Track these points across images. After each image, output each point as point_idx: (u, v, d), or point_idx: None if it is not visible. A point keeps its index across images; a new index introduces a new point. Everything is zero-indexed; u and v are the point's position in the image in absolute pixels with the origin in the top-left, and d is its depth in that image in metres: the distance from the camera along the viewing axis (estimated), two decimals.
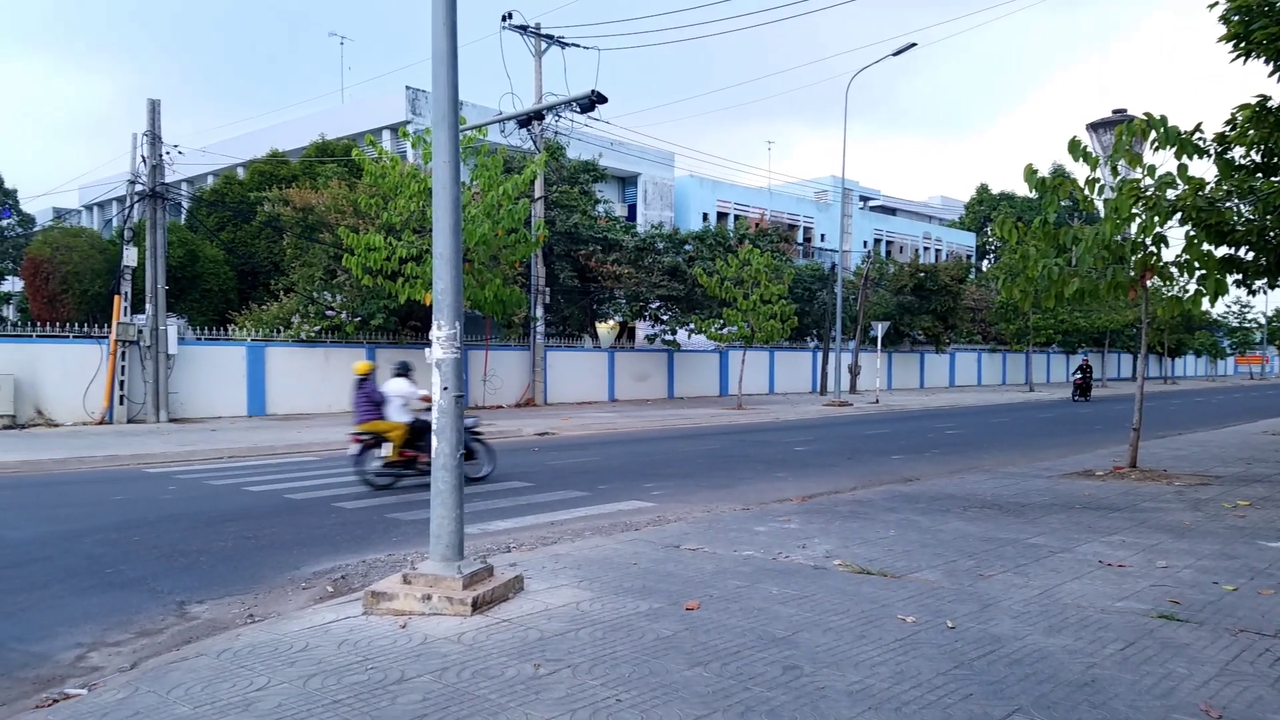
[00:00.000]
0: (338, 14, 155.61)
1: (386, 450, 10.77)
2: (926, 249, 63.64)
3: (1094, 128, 12.82)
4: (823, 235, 55.68)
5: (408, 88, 35.46)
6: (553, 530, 8.54)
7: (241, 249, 29.01)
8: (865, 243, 57.63)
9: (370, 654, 4.67)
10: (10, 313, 35.68)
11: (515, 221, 19.48)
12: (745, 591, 5.93)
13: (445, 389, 5.62)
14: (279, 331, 23.47)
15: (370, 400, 10.99)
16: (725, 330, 27.44)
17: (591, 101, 19.15)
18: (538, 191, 25.99)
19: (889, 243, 61.80)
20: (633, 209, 45.13)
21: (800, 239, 53.78)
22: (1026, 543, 7.61)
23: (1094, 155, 10.38)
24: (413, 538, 8.13)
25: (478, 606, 5.36)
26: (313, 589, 6.43)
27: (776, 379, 38.91)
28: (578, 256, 29.59)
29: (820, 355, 39.59)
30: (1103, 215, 10.09)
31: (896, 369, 44.60)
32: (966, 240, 69.66)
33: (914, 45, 28.87)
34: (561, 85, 47.68)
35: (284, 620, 5.39)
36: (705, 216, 47.60)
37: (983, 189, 77.53)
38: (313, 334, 23.44)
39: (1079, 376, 35.05)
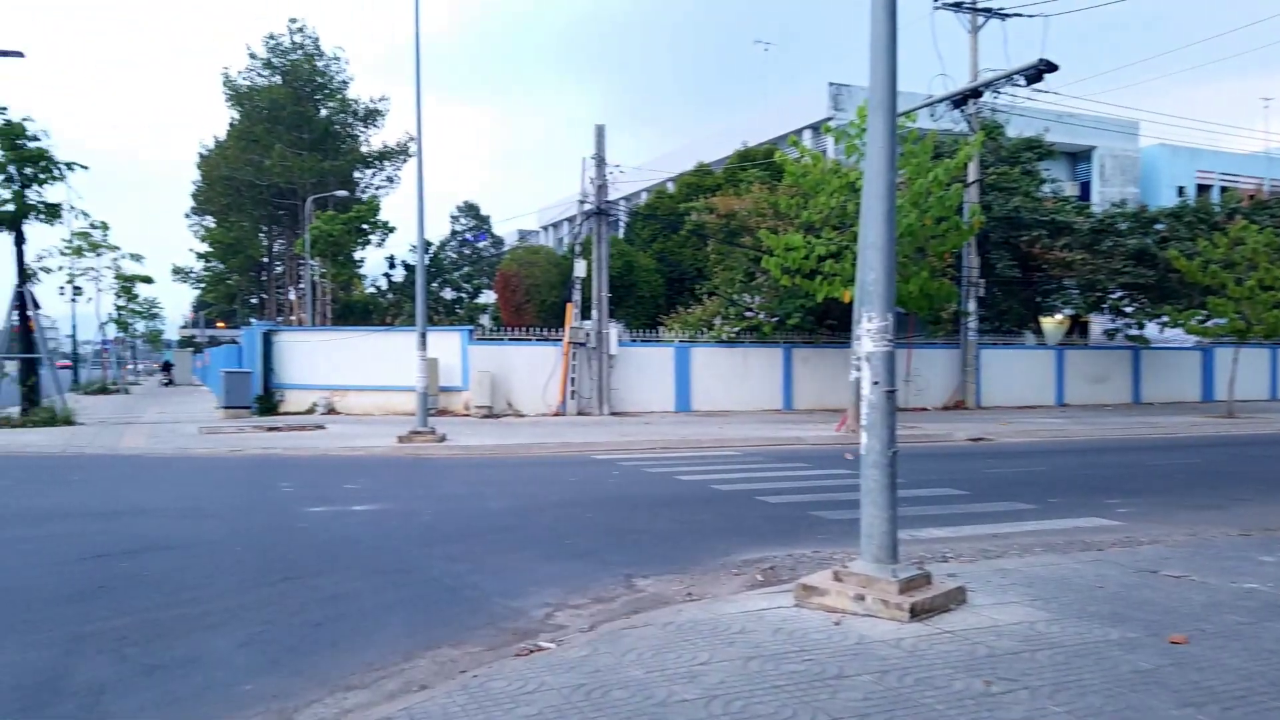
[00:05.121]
0: (763, 23, 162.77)
1: None
2: None
3: None
4: None
5: (830, 84, 35.90)
6: (995, 543, 8.04)
7: (670, 257, 31.77)
8: None
9: (805, 645, 4.78)
10: (486, 321, 42.94)
11: (945, 209, 18.69)
12: (1249, 629, 5.07)
13: (876, 383, 5.56)
14: (702, 333, 25.26)
15: None
16: (1210, 323, 23.68)
17: (1039, 71, 17.79)
18: (971, 175, 24.76)
19: None
20: (1085, 187, 40.89)
21: None
22: None
23: None
24: (838, 536, 8.18)
25: (915, 613, 5.24)
26: (743, 576, 6.76)
27: None
28: (1018, 243, 27.55)
29: None
30: None
31: None
32: None
33: None
34: (999, 60, 44.81)
35: (719, 602, 5.75)
36: (1181, 190, 41.39)
37: None
38: (732, 334, 24.84)
39: None
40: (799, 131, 35.63)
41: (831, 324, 25.41)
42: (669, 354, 24.41)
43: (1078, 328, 34.73)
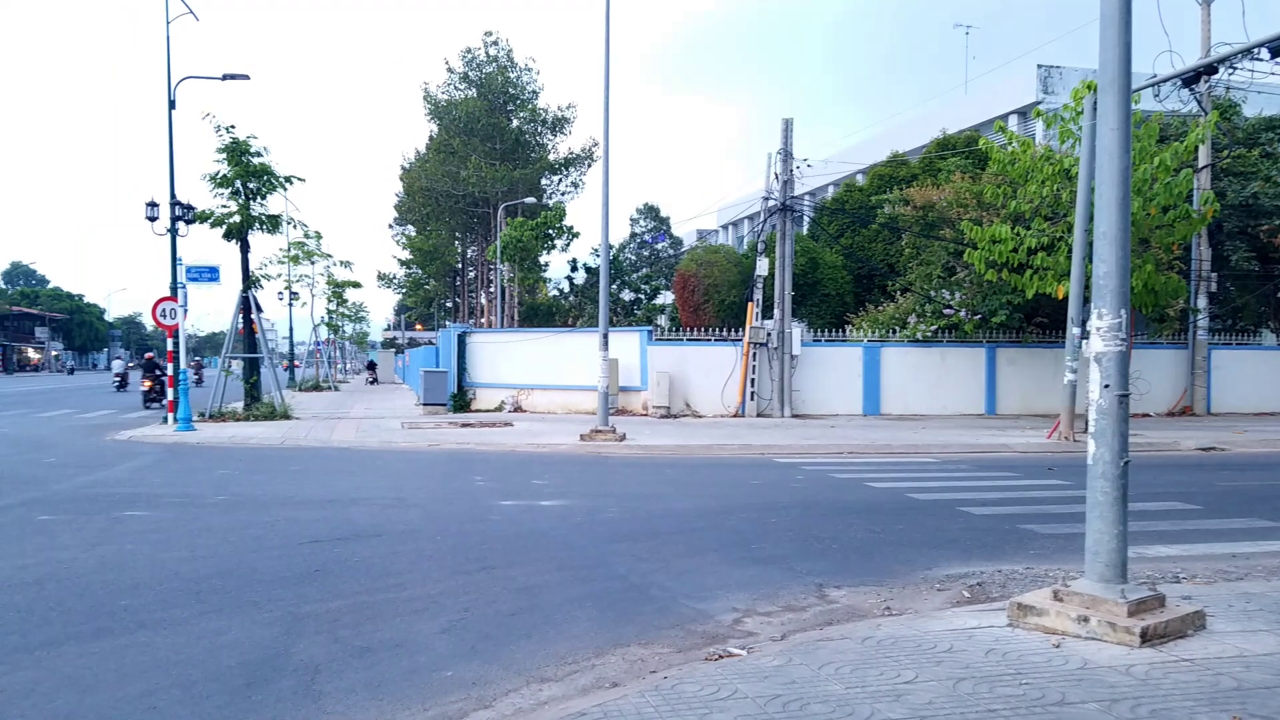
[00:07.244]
0: (964, 5, 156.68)
1: None
2: None
3: None
4: None
5: (1039, 66, 33.99)
6: (1234, 564, 7.29)
7: (859, 253, 30.92)
8: None
9: (1022, 668, 4.47)
10: (664, 321, 43.46)
11: (1173, 197, 17.16)
12: None
13: (1106, 386, 5.16)
14: (894, 332, 24.34)
15: None
16: None
17: None
18: (1202, 159, 22.66)
19: None
20: None
21: None
22: None
23: None
24: (1052, 553, 7.65)
25: (1146, 638, 4.81)
26: (948, 591, 6.42)
27: None
28: (1257, 233, 24.96)
29: None
30: None
31: None
32: None
33: None
34: (1235, 33, 40.66)
35: (923, 618, 5.47)
36: None
37: None
38: (929, 333, 23.79)
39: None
40: (1004, 117, 33.97)
41: (1041, 321, 23.94)
42: (856, 354, 23.73)
43: None
